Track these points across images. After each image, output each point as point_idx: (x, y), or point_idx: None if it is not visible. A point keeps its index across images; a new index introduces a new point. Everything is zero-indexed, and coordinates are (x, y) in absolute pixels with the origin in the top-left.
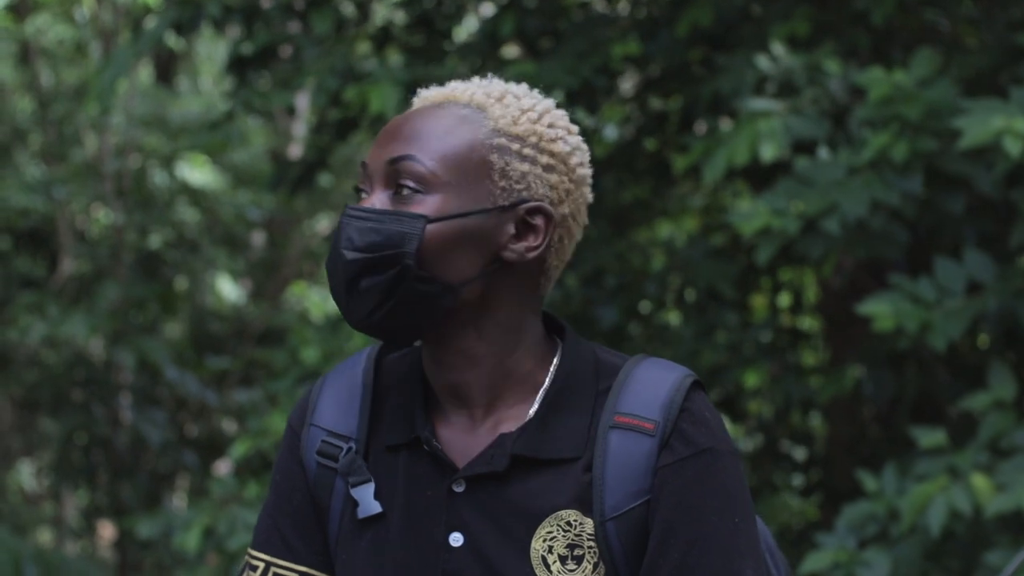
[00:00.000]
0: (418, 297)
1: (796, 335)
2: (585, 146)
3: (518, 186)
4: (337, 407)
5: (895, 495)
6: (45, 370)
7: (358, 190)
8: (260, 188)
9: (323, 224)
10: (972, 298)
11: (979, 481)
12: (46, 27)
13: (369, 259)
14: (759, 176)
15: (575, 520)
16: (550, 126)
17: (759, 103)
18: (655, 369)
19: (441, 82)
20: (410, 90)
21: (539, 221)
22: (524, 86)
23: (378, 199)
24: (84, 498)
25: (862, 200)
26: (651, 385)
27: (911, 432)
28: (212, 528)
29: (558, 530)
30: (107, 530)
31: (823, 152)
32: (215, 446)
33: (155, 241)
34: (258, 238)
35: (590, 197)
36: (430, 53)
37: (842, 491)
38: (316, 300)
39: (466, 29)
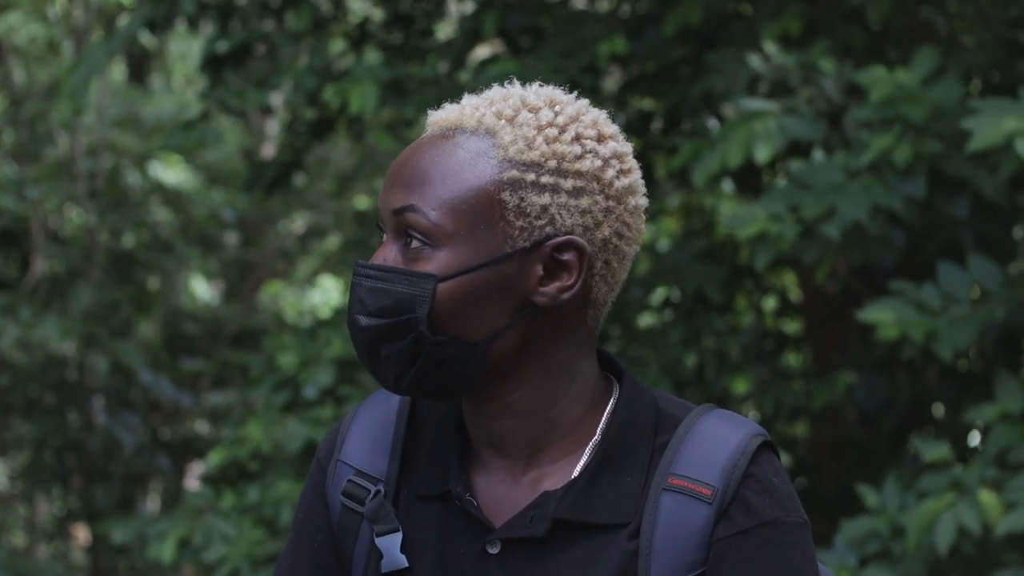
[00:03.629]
0: (443, 359)
1: (782, 339)
2: (626, 147)
3: (539, 222)
4: (368, 443)
5: (897, 511)
6: (17, 373)
7: (380, 228)
8: (234, 187)
9: (298, 223)
10: (979, 306)
11: (987, 498)
12: (18, 25)
13: (383, 326)
14: (739, 178)
15: None
16: (575, 140)
17: (753, 103)
18: (720, 425)
19: (421, 82)
20: (389, 89)
21: (570, 256)
22: (548, 90)
23: (390, 251)
24: (57, 501)
25: (863, 204)
26: (713, 444)
27: (912, 442)
28: (187, 539)
29: None
30: (81, 533)
31: (818, 154)
32: (189, 449)
33: (129, 241)
34: (232, 238)
35: (643, 202)
36: (409, 51)
37: (829, 498)
38: (291, 300)
39: (446, 26)
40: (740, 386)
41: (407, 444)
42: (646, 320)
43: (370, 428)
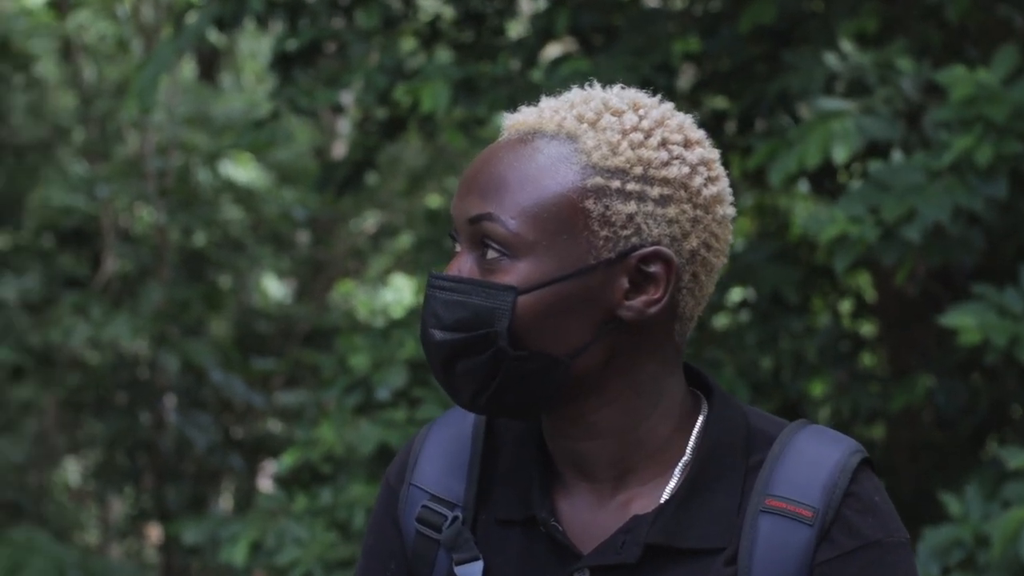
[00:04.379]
0: (524, 375)
1: (858, 341)
2: (713, 153)
3: (624, 232)
4: (442, 466)
5: (981, 520)
6: (89, 372)
7: (453, 238)
8: (305, 186)
9: (369, 222)
10: None
11: None
12: (88, 23)
13: (460, 340)
14: (814, 178)
15: None
16: (661, 145)
17: (831, 103)
18: (816, 442)
19: (492, 80)
20: (460, 88)
21: (657, 268)
22: (631, 93)
23: (465, 262)
24: (130, 500)
25: (944, 205)
26: (810, 462)
27: (992, 446)
28: (259, 542)
29: None
30: (154, 532)
31: (897, 155)
32: (261, 448)
33: (199, 240)
34: (303, 236)
35: (731, 211)
36: (480, 50)
37: (907, 501)
38: (363, 299)
39: (517, 25)
40: (817, 389)
41: (484, 466)
42: (721, 321)
43: (444, 449)
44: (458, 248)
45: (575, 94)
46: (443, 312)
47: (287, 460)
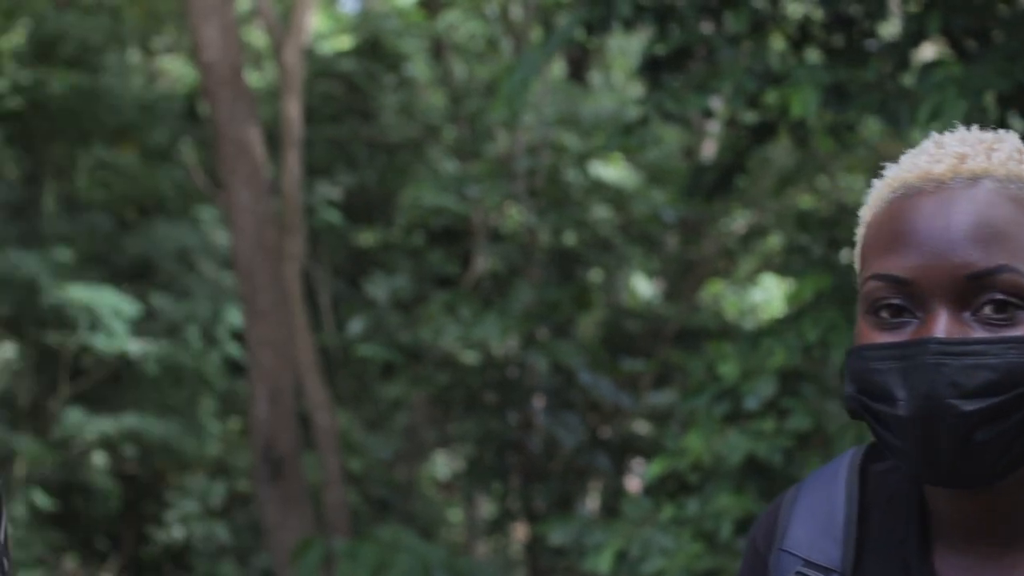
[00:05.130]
0: None
1: None
2: None
3: None
4: (815, 530)
5: None
6: (458, 371)
7: (889, 307)
8: (674, 186)
9: (739, 222)
10: None
11: None
12: (457, 23)
13: (992, 406)
14: None
15: None
16: None
17: None
18: None
19: (862, 85)
20: (830, 92)
21: None
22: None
23: (949, 322)
24: (497, 499)
25: None
26: None
27: None
28: (625, 550)
29: None
30: (520, 531)
31: None
32: (628, 448)
33: (569, 239)
34: (672, 236)
35: None
36: (850, 54)
37: None
38: (732, 299)
39: (888, 27)
40: None
41: (860, 527)
42: None
43: (814, 512)
44: (908, 320)
45: (968, 135)
46: (964, 379)
47: (655, 469)
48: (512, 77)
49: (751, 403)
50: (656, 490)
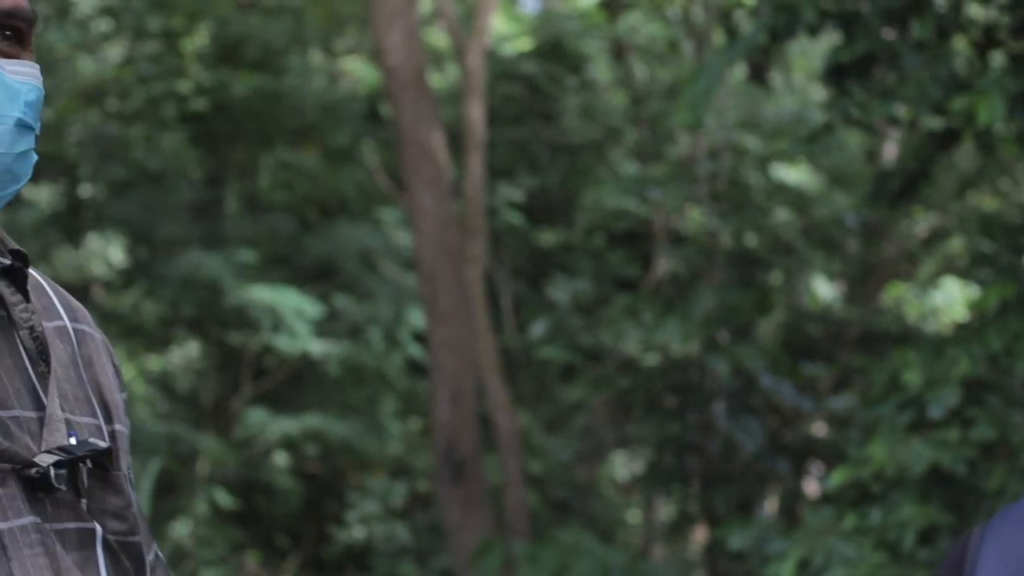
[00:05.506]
0: None
1: None
2: None
3: None
4: (1005, 570)
5: None
6: (639, 373)
7: None
8: (856, 190)
9: (921, 225)
10: None
11: None
12: (638, 24)
13: None
14: None
15: None
16: None
17: None
18: None
19: None
20: (1017, 100)
21: None
22: None
23: None
24: (676, 502)
25: None
26: None
27: None
28: (807, 560)
29: None
30: (699, 534)
31: None
32: (809, 452)
33: (750, 242)
34: (853, 239)
35: None
36: None
37: None
38: (914, 302)
39: None
40: None
41: None
42: None
43: (1003, 556)
44: None
45: None
46: None
47: (837, 478)
48: (696, 84)
49: (935, 412)
50: (838, 498)
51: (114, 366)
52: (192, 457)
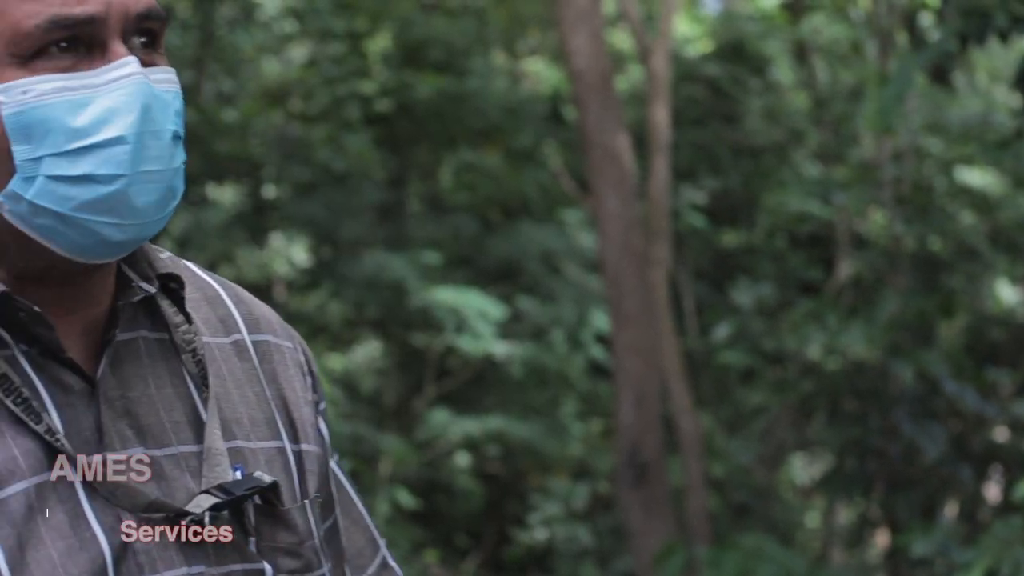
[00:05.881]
0: None
1: None
2: None
3: None
4: None
5: None
6: (823, 378)
7: None
8: None
9: None
10: None
11: None
12: (822, 26)
13: None
14: None
15: None
16: None
17: None
18: None
19: None
20: None
21: None
22: None
23: None
24: (857, 507)
25: None
26: None
27: None
28: (994, 570)
29: None
30: (880, 540)
31: None
32: (991, 458)
33: (934, 246)
34: None
35: None
36: None
37: None
38: None
39: None
40: None
41: None
42: None
43: None
44: None
45: None
46: None
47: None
48: (885, 92)
49: None
50: (1023, 507)
51: (310, 375)
52: (375, 457)
